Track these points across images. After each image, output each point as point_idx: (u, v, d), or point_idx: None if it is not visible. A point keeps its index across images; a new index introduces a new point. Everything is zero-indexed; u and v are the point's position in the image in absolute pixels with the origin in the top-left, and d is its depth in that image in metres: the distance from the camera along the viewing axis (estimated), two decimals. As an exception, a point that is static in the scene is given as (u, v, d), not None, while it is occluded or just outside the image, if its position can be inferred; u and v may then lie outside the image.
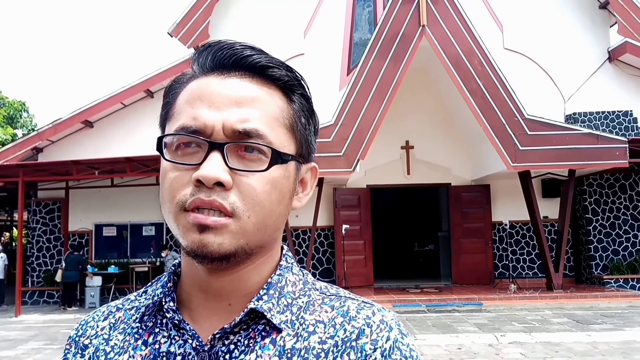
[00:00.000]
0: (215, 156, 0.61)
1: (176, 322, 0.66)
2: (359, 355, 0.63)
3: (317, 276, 13.12)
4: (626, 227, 13.19)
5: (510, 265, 13.44)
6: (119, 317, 0.72)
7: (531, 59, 13.82)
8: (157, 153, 0.65)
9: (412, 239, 18.39)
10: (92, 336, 0.71)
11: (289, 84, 0.67)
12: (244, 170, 0.62)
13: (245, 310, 0.64)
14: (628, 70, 13.88)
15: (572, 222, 13.06)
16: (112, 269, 12.84)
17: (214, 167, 0.60)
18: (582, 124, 12.90)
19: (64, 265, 12.16)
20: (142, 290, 0.75)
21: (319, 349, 0.64)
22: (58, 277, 12.25)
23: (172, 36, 13.40)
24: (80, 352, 0.70)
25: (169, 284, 0.69)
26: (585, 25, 14.06)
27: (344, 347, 0.64)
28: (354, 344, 0.64)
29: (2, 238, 21.24)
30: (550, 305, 10.86)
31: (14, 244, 20.78)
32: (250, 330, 0.64)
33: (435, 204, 16.39)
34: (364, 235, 13.39)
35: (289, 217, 0.83)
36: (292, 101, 0.68)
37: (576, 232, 13.69)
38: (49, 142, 13.44)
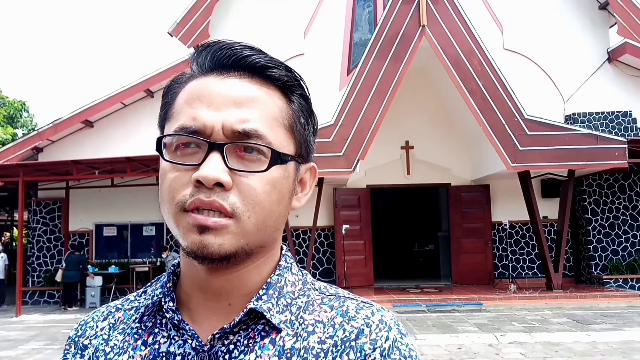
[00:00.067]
0: (215, 157, 0.61)
1: (176, 322, 0.66)
2: (358, 355, 0.63)
3: (318, 276, 13.12)
4: (625, 227, 13.19)
5: (510, 265, 13.44)
6: (119, 318, 0.72)
7: (531, 59, 13.82)
8: (158, 153, 0.65)
9: (412, 239, 18.40)
10: (91, 336, 0.71)
11: (288, 84, 0.67)
12: (244, 171, 0.62)
13: (245, 310, 0.64)
14: (627, 71, 13.88)
15: (571, 222, 13.07)
16: (112, 269, 12.83)
17: (213, 167, 0.60)
18: (582, 125, 12.90)
19: (64, 265, 12.16)
20: (141, 290, 0.75)
21: (318, 348, 0.64)
22: (58, 277, 12.24)
23: (172, 36, 13.40)
24: (79, 352, 0.70)
25: (168, 284, 0.69)
26: (584, 26, 14.06)
27: (343, 346, 0.64)
28: (353, 343, 0.64)
29: (3, 238, 21.24)
30: (550, 305, 10.86)
31: (14, 244, 20.78)
32: (249, 330, 0.65)
33: (435, 204, 16.39)
34: (364, 235, 13.40)
35: (289, 217, 0.83)
36: (291, 101, 0.68)
37: (576, 232, 13.69)
38: (49, 142, 13.44)
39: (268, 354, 0.63)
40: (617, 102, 13.65)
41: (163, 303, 0.67)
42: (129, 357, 0.66)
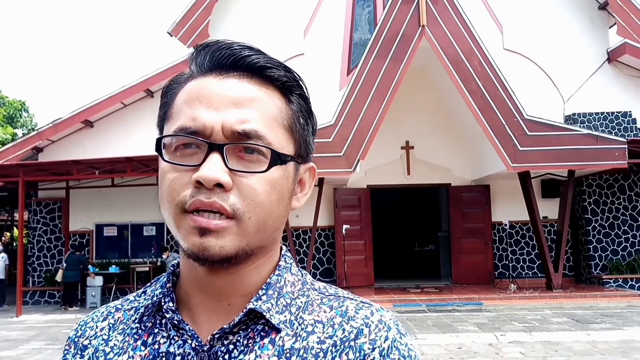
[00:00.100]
0: (215, 157, 0.61)
1: (175, 322, 0.66)
2: (357, 355, 0.63)
3: (318, 276, 13.13)
4: (625, 228, 13.20)
5: (510, 265, 13.44)
6: (118, 318, 0.72)
7: (530, 59, 13.82)
8: (157, 153, 0.65)
9: (413, 239, 18.40)
10: (91, 337, 0.71)
11: (288, 85, 0.67)
12: (244, 172, 0.62)
13: (245, 310, 0.64)
14: (627, 71, 13.88)
15: (571, 222, 13.07)
16: (113, 269, 12.83)
17: (213, 168, 0.60)
18: (582, 125, 12.90)
19: (64, 265, 12.16)
20: (141, 290, 0.75)
21: (317, 348, 0.64)
22: (59, 277, 12.24)
23: (171, 36, 13.41)
24: (79, 352, 0.70)
25: (168, 284, 0.69)
26: (584, 26, 14.06)
27: (342, 346, 0.64)
28: (352, 343, 0.64)
29: (3, 238, 21.22)
30: (550, 305, 10.87)
31: (14, 244, 20.78)
32: (249, 330, 0.65)
33: (435, 204, 16.39)
34: (364, 235, 13.40)
35: (289, 217, 0.83)
36: (291, 102, 0.67)
37: (575, 232, 13.70)
38: (49, 142, 13.44)
39: (268, 354, 0.63)
40: (616, 102, 13.65)
41: (163, 303, 0.67)
42: (129, 357, 0.66)
